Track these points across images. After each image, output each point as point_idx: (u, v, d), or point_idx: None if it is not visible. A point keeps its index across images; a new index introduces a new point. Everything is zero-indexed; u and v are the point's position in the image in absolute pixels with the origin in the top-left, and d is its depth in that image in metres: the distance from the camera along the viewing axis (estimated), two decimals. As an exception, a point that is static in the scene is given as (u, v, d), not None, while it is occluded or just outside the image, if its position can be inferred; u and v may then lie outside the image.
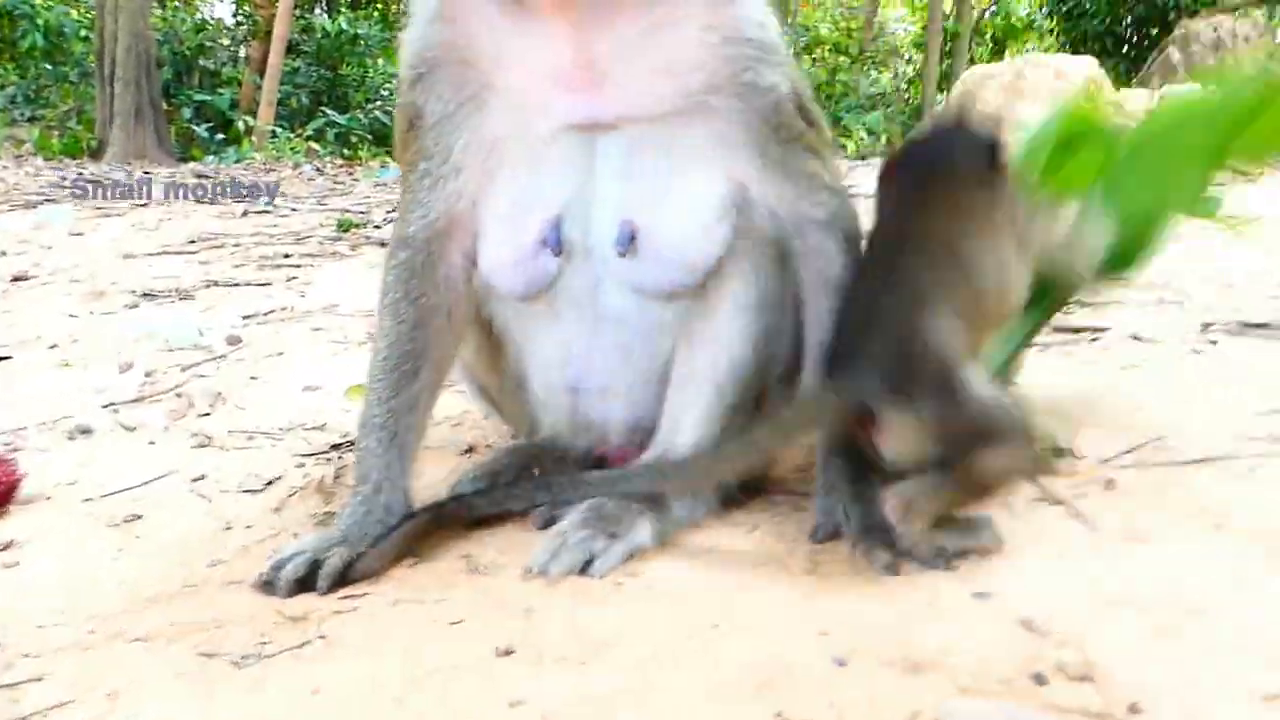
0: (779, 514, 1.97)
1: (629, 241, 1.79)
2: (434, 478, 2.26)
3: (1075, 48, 20.45)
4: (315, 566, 1.69)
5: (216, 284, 5.23)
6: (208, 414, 2.86)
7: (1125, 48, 21.20)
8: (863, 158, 15.14)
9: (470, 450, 2.43)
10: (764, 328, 1.88)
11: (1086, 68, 9.36)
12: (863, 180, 8.45)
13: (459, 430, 2.58)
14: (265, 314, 4.33)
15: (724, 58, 1.74)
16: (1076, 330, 3.36)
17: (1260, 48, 14.97)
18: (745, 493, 2.04)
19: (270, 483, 2.26)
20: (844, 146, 16.79)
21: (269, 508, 2.12)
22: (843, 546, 1.76)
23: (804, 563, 1.74)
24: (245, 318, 4.24)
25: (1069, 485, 2.04)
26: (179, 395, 3.01)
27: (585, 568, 1.70)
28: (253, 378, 3.22)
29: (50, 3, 20.48)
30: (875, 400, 1.61)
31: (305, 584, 1.67)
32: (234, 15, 23.56)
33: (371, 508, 1.80)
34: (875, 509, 1.69)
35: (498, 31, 1.75)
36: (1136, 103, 9.36)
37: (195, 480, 2.31)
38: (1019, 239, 1.81)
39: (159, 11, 21.06)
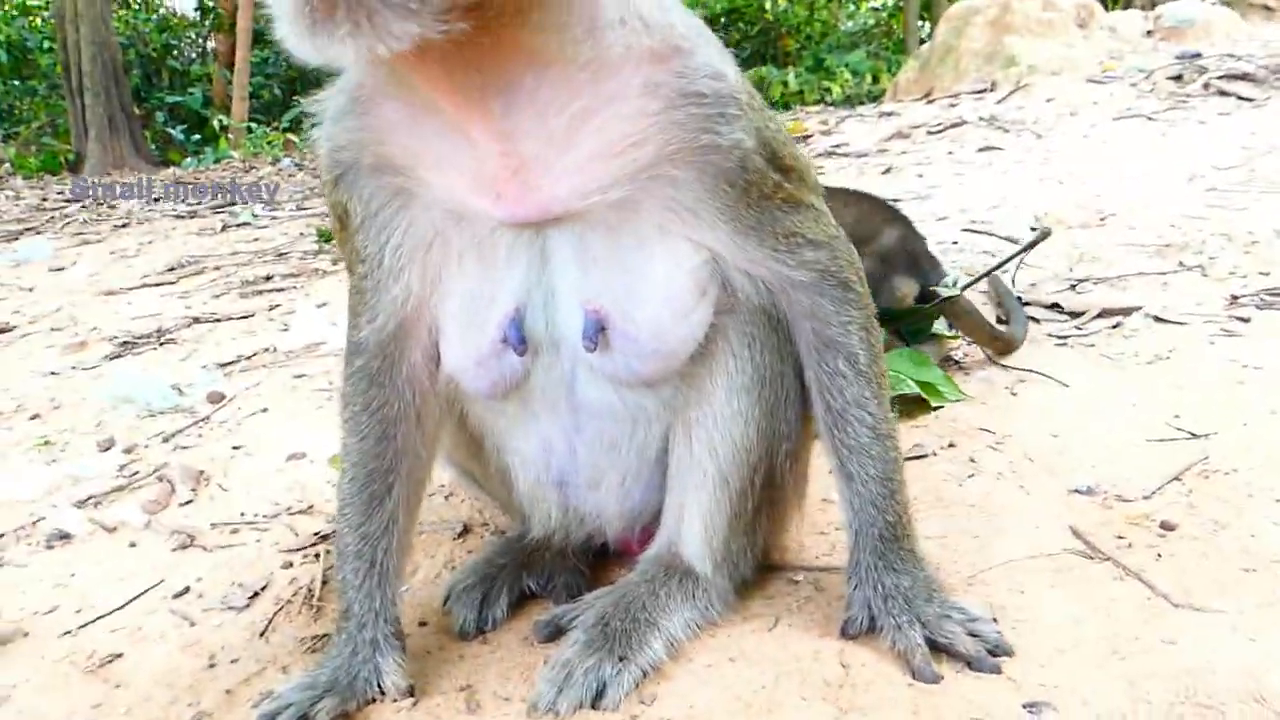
0: (800, 598, 1.82)
1: (597, 333, 1.61)
2: (428, 573, 2.12)
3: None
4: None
5: (197, 320, 5.08)
6: (190, 500, 2.71)
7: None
8: (849, 101, 14.81)
9: (465, 532, 2.28)
10: (765, 405, 1.71)
11: (1075, -7, 9.00)
12: (852, 133, 8.23)
13: (452, 505, 2.42)
14: (248, 358, 4.17)
15: (674, 122, 1.49)
16: (1102, 313, 3.19)
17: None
18: (762, 571, 1.90)
19: (255, 595, 2.12)
20: (828, 89, 16.42)
21: (255, 630, 1.98)
22: (878, 642, 1.62)
23: (833, 669, 1.59)
24: (226, 365, 4.08)
25: (1113, 531, 1.89)
26: (160, 479, 2.86)
27: (597, 699, 1.55)
28: (235, 447, 3.07)
29: (11, 13, 20.05)
30: None
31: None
32: (195, 8, 23.03)
33: (357, 646, 1.66)
34: None
35: (416, 131, 1.54)
36: (1130, 25, 9.04)
37: (177, 596, 2.16)
38: None
39: (120, 13, 20.61)
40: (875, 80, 16.58)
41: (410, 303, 1.66)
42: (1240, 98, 6.64)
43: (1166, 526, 1.87)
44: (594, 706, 1.55)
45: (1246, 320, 2.94)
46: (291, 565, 2.25)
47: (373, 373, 1.71)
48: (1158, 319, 3.03)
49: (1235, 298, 3.12)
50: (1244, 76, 7.03)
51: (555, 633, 1.75)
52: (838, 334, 1.68)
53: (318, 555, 2.28)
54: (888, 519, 1.68)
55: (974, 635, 1.58)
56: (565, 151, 1.50)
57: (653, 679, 1.62)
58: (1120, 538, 1.86)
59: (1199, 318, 3.01)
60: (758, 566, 1.87)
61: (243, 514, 2.57)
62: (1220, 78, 7.09)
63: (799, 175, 1.66)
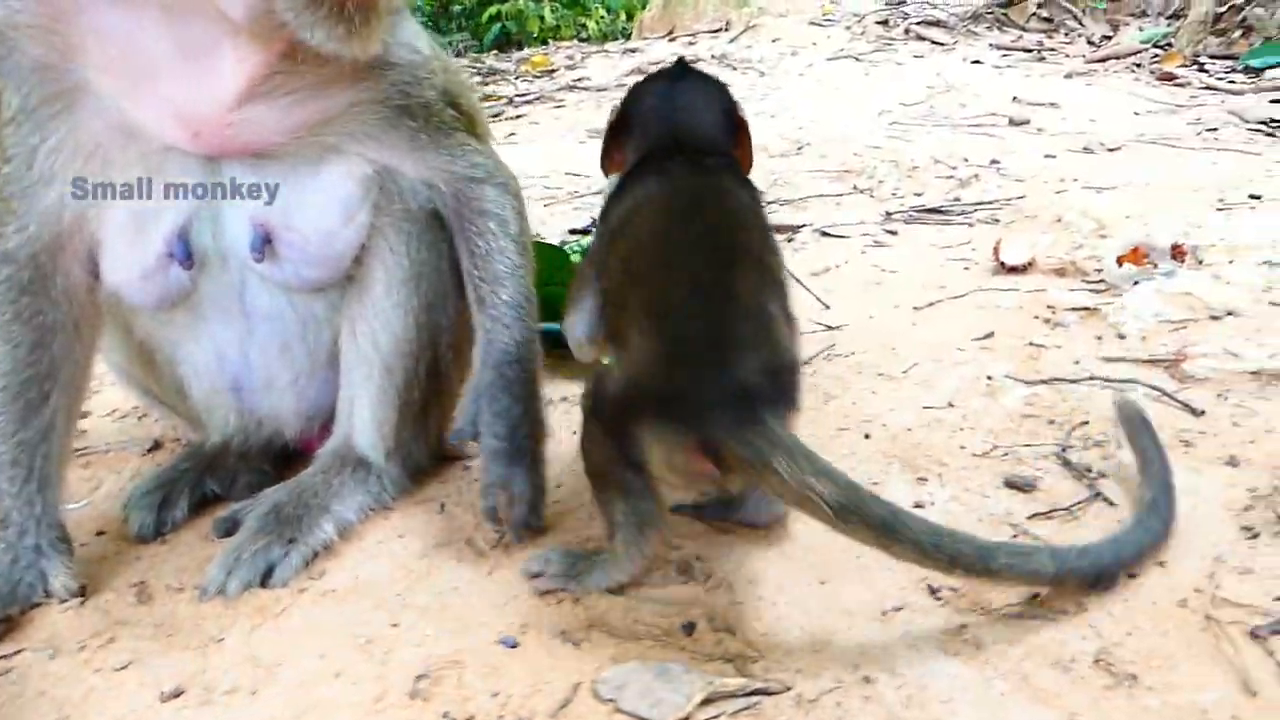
0: (471, 480, 1.99)
1: (264, 244, 1.71)
2: (111, 487, 2.13)
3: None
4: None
5: None
6: None
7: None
8: (604, 37, 15.00)
9: (156, 448, 2.29)
10: (423, 298, 1.85)
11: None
12: (595, 68, 8.40)
13: (144, 425, 2.42)
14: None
15: (375, 89, 1.71)
16: (776, 229, 3.54)
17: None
18: (440, 461, 2.05)
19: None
20: (584, 25, 16.53)
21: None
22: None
23: (489, 533, 1.78)
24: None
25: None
26: None
27: (265, 578, 1.66)
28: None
29: None
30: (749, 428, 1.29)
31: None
32: None
33: (18, 554, 1.67)
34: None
35: (103, 24, 1.54)
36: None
37: None
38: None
39: None
40: (630, 18, 16.81)
41: (67, 213, 1.66)
42: (933, 42, 7.36)
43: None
44: (263, 585, 1.66)
45: (894, 233, 3.37)
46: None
47: (24, 283, 1.69)
48: (824, 233, 3.42)
49: (889, 214, 3.55)
50: (938, 23, 7.78)
51: (233, 527, 1.82)
52: (494, 207, 1.85)
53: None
54: (515, 337, 1.80)
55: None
56: (280, 111, 1.65)
57: (323, 557, 1.74)
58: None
59: (859, 232, 3.41)
60: (434, 455, 2.02)
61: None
62: (918, 24, 7.81)
63: (471, 117, 1.90)
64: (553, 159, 5.06)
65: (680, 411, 1.32)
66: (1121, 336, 2.32)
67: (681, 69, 1.82)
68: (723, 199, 1.60)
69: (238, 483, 1.99)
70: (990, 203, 3.56)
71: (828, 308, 2.72)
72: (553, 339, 1.96)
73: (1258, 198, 3.33)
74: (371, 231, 1.80)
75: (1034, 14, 7.86)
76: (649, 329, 1.41)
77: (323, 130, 1.72)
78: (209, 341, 1.84)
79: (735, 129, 1.75)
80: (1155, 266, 2.55)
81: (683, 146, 1.66)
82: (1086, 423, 1.96)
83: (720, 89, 1.80)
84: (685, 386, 1.32)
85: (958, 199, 3.69)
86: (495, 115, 6.73)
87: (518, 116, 6.59)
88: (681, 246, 1.49)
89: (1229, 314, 2.34)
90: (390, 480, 1.91)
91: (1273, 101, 4.87)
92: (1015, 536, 1.62)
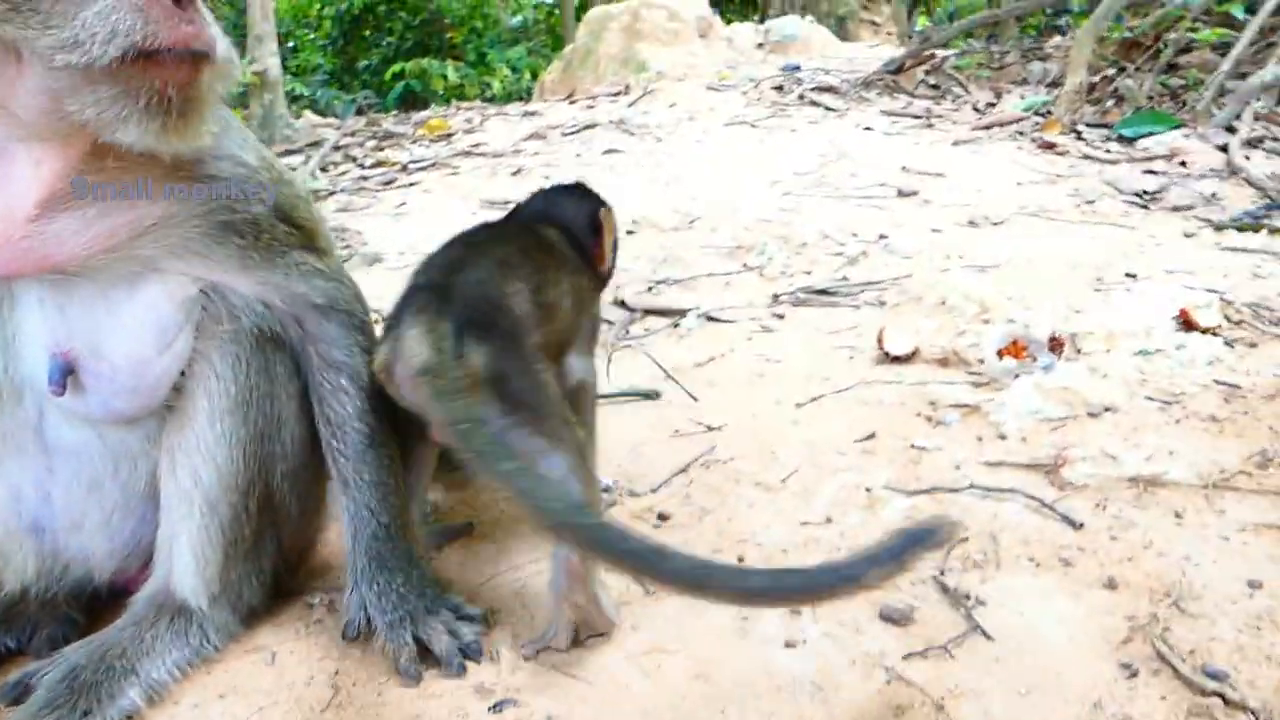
0: (311, 621, 1.81)
1: (65, 376, 1.53)
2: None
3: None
4: None
5: None
6: None
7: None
8: (508, 97, 15.01)
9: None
10: (253, 427, 1.69)
11: (696, 8, 9.69)
12: (494, 132, 8.32)
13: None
14: None
15: (194, 203, 1.56)
16: (662, 313, 3.45)
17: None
18: (278, 598, 1.86)
19: None
20: (488, 84, 16.54)
21: None
22: (374, 642, 1.67)
23: (324, 692, 1.60)
24: None
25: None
26: None
27: (56, 760, 1.45)
28: None
29: None
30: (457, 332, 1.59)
31: None
32: None
33: None
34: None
35: None
36: (744, 38, 9.87)
37: None
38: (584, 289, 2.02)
39: None
40: (534, 76, 16.87)
41: None
42: (827, 108, 7.46)
43: (663, 517, 2.06)
44: (54, 768, 1.45)
45: (781, 317, 3.30)
46: None
47: None
48: (710, 318, 3.33)
49: (777, 296, 3.49)
50: (831, 89, 7.91)
51: (25, 693, 1.61)
52: (342, 355, 1.77)
53: None
54: (381, 520, 1.75)
55: (452, 634, 1.66)
56: (87, 224, 1.49)
57: (133, 726, 1.55)
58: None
59: (746, 315, 3.34)
60: (269, 594, 1.83)
61: None
62: (812, 89, 7.93)
63: (310, 231, 1.77)
64: (442, 232, 4.90)
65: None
66: (1002, 437, 2.27)
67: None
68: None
69: (38, 635, 1.76)
70: (877, 283, 3.53)
71: (695, 399, 2.62)
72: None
73: (1133, 276, 3.38)
74: (194, 355, 1.64)
75: (922, 80, 8.07)
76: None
77: (137, 245, 1.55)
78: (2, 481, 1.63)
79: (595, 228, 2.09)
80: (1034, 360, 2.53)
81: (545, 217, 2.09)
82: (966, 539, 1.88)
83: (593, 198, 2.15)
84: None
85: (845, 278, 3.66)
86: (388, 183, 6.57)
87: (410, 184, 6.43)
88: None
89: (1106, 410, 2.31)
90: (215, 628, 1.72)
91: (1145, 172, 5.03)
92: (888, 683, 1.51)
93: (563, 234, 2.04)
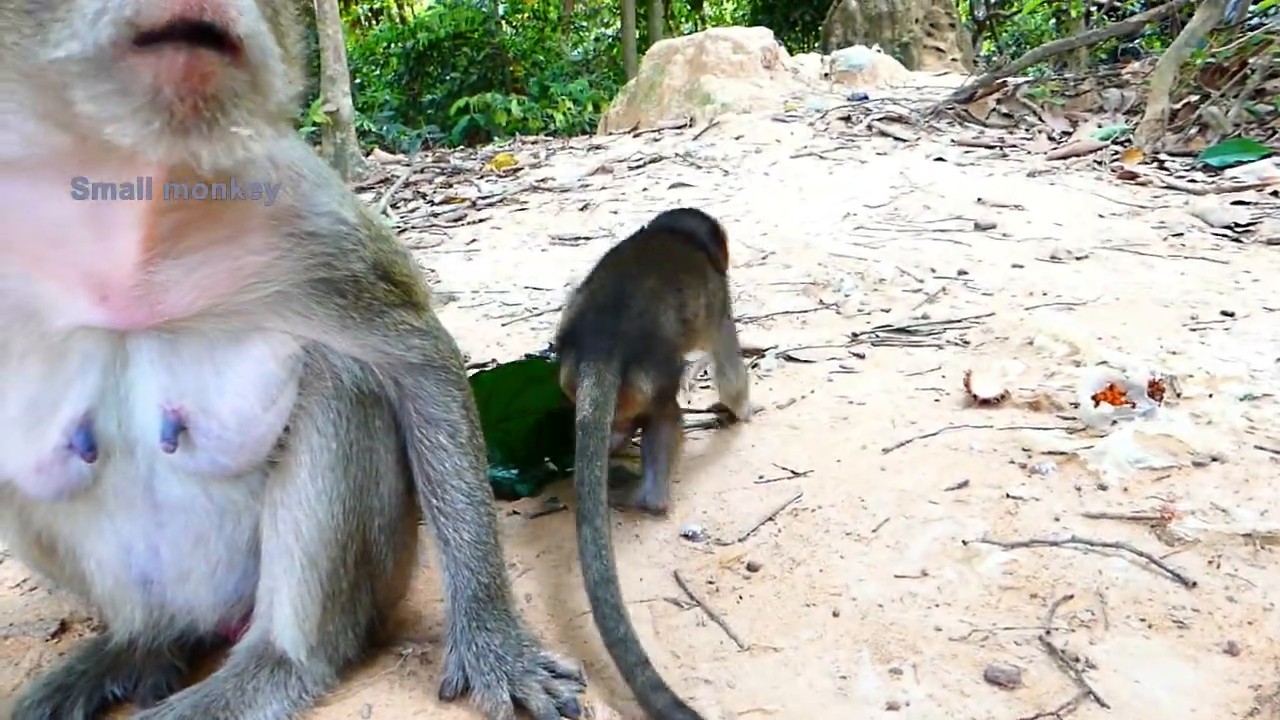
0: (404, 673, 1.81)
1: (176, 433, 1.55)
2: (7, 680, 1.92)
3: (756, 9, 21.53)
4: None
5: None
6: None
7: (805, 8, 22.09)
8: (571, 129, 15.17)
9: (62, 630, 2.09)
10: (352, 482, 1.70)
11: (761, 39, 9.70)
12: (560, 166, 8.40)
13: (55, 600, 2.22)
14: None
15: (295, 256, 1.57)
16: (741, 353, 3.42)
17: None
18: (371, 648, 1.87)
19: None
20: (551, 117, 16.75)
21: None
22: (470, 699, 1.67)
23: (418, 750, 1.60)
24: None
25: (707, 576, 2.03)
26: None
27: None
28: None
29: None
30: (625, 367, 2.10)
31: None
32: None
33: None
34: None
35: (11, 212, 1.37)
36: (810, 68, 9.85)
37: None
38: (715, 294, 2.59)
39: None
40: (596, 109, 17.07)
41: None
42: (896, 138, 7.41)
43: (752, 568, 2.03)
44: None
45: (862, 357, 3.26)
46: None
47: None
48: (789, 358, 3.30)
49: (856, 335, 3.45)
50: (900, 119, 7.85)
51: (143, 743, 1.64)
52: (440, 411, 1.78)
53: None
54: (481, 580, 1.76)
55: (549, 693, 1.65)
56: (190, 272, 1.50)
57: (233, 786, 1.56)
58: (710, 582, 1.99)
59: (825, 355, 3.30)
60: (363, 645, 1.84)
61: None
62: (880, 119, 7.88)
63: (408, 286, 1.77)
64: (513, 270, 4.97)
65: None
66: (1103, 487, 2.19)
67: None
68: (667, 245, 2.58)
69: (143, 683, 1.80)
70: (959, 321, 3.47)
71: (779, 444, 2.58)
72: (509, 487, 1.93)
73: (1230, 314, 3.27)
74: (296, 411, 1.66)
75: (994, 109, 7.97)
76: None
77: (239, 298, 1.57)
78: (114, 535, 1.67)
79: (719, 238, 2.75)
80: (1133, 405, 2.45)
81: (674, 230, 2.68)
82: (1071, 596, 1.82)
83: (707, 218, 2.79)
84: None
85: (926, 316, 3.60)
86: (458, 219, 6.67)
87: (480, 220, 6.53)
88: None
89: (1214, 459, 2.22)
90: (313, 679, 1.73)
91: (1235, 203, 4.88)
92: (1000, 752, 1.46)
93: (690, 242, 2.60)
